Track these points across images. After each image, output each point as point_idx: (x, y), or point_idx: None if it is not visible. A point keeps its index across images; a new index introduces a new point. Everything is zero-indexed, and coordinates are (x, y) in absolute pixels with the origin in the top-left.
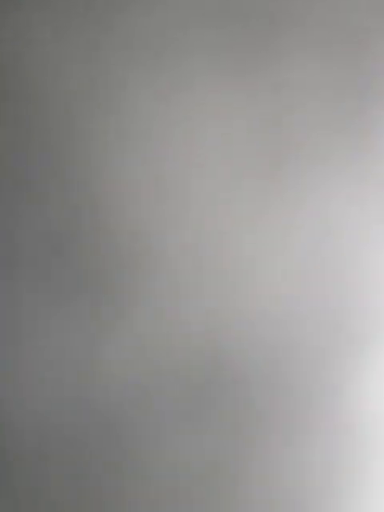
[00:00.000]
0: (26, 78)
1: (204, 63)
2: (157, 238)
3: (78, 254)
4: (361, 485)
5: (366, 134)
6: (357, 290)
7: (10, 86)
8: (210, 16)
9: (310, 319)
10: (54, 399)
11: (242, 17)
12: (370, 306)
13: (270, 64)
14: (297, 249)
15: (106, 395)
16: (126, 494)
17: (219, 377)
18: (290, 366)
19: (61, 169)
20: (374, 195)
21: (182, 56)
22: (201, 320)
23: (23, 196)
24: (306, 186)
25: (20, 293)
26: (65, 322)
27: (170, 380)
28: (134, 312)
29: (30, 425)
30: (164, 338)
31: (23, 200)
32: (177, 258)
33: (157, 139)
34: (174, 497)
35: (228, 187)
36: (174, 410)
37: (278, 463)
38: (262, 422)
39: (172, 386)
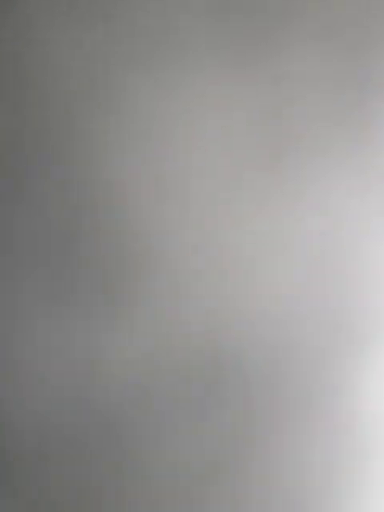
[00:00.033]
0: (25, 77)
1: (204, 57)
2: (157, 238)
3: (77, 254)
4: (361, 485)
5: (367, 126)
6: (357, 289)
7: (9, 85)
8: (209, 10)
9: (310, 319)
10: (54, 399)
11: (242, 10)
12: (370, 305)
13: (269, 56)
14: (297, 248)
15: (106, 395)
16: (126, 494)
17: (219, 377)
18: (290, 366)
19: (60, 168)
20: (374, 187)
21: (182, 50)
22: (201, 320)
23: (23, 196)
24: (306, 179)
25: (20, 293)
26: (65, 321)
27: (170, 380)
28: (134, 312)
29: (29, 425)
30: (164, 338)
31: (23, 200)
32: (177, 258)
33: (157, 135)
34: (174, 497)
35: (228, 184)
36: (174, 410)
37: (278, 463)
38: (262, 422)
39: (172, 385)
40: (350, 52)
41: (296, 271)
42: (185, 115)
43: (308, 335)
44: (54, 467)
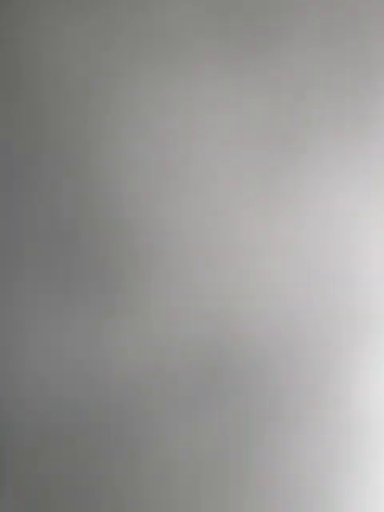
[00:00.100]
0: (23, 76)
1: (203, 63)
2: (157, 239)
3: (78, 254)
4: (361, 484)
5: (366, 131)
6: (357, 290)
7: (6, 82)
8: (209, 14)
9: (310, 320)
10: (54, 399)
11: (242, 15)
12: (370, 306)
13: (269, 62)
14: (297, 249)
15: (106, 395)
16: (126, 494)
17: (219, 377)
18: (290, 366)
19: (61, 166)
20: (374, 189)
21: (181, 43)
22: (201, 320)
23: (23, 194)
24: (305, 181)
25: (21, 293)
26: (65, 322)
27: (170, 380)
28: (134, 313)
29: (30, 425)
30: (164, 338)
31: (23, 199)
32: (177, 259)
33: (156, 137)
34: (174, 497)
35: (228, 186)
36: (174, 410)
37: (278, 463)
38: (262, 422)
39: (172, 386)
40: (350, 58)
41: (296, 272)
42: (184, 117)
43: (307, 336)
44: (54, 467)
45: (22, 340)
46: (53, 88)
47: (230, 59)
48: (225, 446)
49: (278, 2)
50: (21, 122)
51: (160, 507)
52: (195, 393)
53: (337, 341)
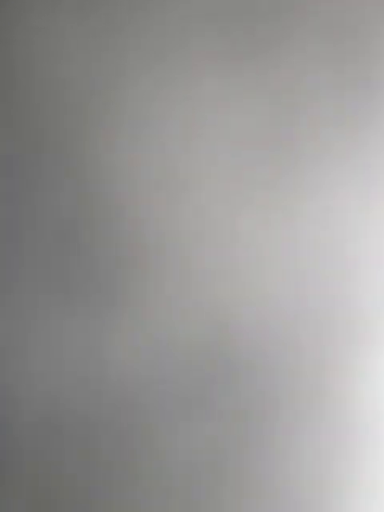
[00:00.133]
0: (23, 68)
1: (203, 63)
2: (157, 239)
3: (78, 254)
4: (360, 484)
5: (367, 131)
6: (357, 291)
7: (7, 74)
8: (209, 15)
9: (309, 321)
10: (54, 399)
11: (243, 15)
12: (370, 306)
13: (269, 63)
14: (297, 249)
15: (106, 395)
16: (126, 494)
17: (218, 377)
18: (289, 367)
19: (60, 168)
20: (373, 191)
21: (181, 43)
22: (201, 320)
23: (23, 194)
24: (305, 182)
25: (21, 293)
26: (65, 321)
27: (169, 380)
28: (134, 312)
29: (30, 425)
30: (164, 338)
31: (23, 199)
32: (177, 260)
33: (156, 140)
34: (174, 496)
35: (228, 187)
36: (174, 410)
37: (278, 463)
38: (261, 423)
39: (171, 386)
40: (350, 58)
41: (295, 272)
42: (184, 117)
43: (306, 336)
44: (54, 467)
45: (21, 340)
46: (53, 88)
47: (230, 59)
48: (223, 446)
49: (277, 2)
50: (21, 122)
51: (159, 506)
52: (195, 393)
53: (335, 341)
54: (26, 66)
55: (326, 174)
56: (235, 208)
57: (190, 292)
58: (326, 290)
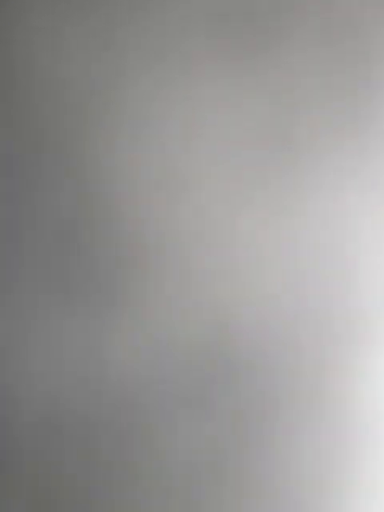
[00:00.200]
0: (23, 68)
1: (204, 64)
2: (156, 239)
3: (78, 254)
4: (360, 485)
5: (366, 133)
6: (357, 291)
7: (7, 74)
8: (209, 16)
9: (309, 321)
10: (54, 399)
11: (242, 16)
12: (369, 307)
13: (269, 64)
14: (296, 250)
15: (106, 395)
16: (126, 494)
17: (218, 377)
18: (289, 367)
19: (60, 168)
20: (373, 192)
21: (181, 43)
22: (200, 320)
23: (23, 194)
24: (305, 183)
25: (21, 293)
26: (65, 321)
27: (169, 380)
28: (134, 312)
29: (30, 425)
30: (164, 338)
31: (23, 199)
32: (177, 259)
33: (155, 140)
34: (174, 496)
35: (227, 187)
36: (174, 410)
37: (278, 463)
38: (262, 422)
39: (171, 386)
40: (350, 58)
41: (295, 272)
42: (184, 117)
43: (306, 336)
44: (54, 467)
45: (22, 340)
46: (53, 88)
47: (230, 59)
48: (223, 446)
49: (277, 1)
50: (21, 122)
51: (159, 506)
52: (195, 393)
53: (335, 341)
54: (26, 65)
55: (326, 174)
56: (235, 208)
57: (190, 292)
58: (325, 290)
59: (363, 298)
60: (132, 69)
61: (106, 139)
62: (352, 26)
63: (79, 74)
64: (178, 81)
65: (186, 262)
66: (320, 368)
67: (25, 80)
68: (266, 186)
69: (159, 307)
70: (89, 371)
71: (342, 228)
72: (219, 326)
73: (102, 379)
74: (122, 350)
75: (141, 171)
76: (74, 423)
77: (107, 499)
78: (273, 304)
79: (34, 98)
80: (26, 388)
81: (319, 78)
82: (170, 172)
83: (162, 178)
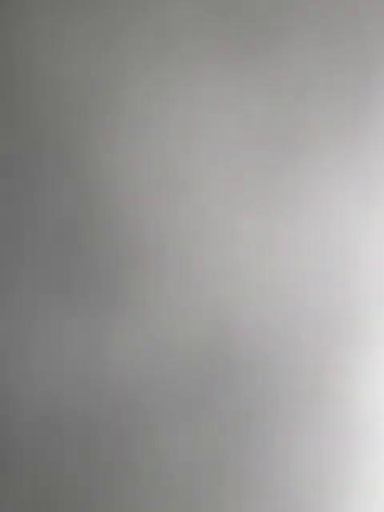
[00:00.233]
0: (23, 68)
1: (203, 63)
2: (156, 239)
3: (78, 254)
4: (360, 484)
5: (366, 133)
6: (356, 291)
7: (6, 74)
8: (209, 15)
9: (308, 321)
10: (54, 399)
11: (242, 15)
12: (369, 307)
13: (269, 63)
14: (296, 250)
15: (106, 395)
16: (126, 494)
17: (218, 377)
18: (289, 366)
19: (60, 168)
20: (373, 192)
21: (181, 43)
22: (201, 320)
23: (23, 194)
24: (304, 183)
25: (21, 293)
26: (65, 321)
27: (169, 380)
28: (134, 312)
29: (30, 425)
30: (164, 338)
31: (23, 199)
32: (176, 259)
33: (155, 139)
34: (173, 496)
35: (227, 188)
36: (174, 410)
37: (278, 463)
38: (262, 422)
39: (171, 386)
40: (350, 58)
41: (295, 272)
42: (184, 117)
43: (306, 336)
44: (54, 467)
45: (22, 340)
46: (53, 88)
47: (230, 59)
48: (223, 446)
49: (277, 1)
50: (21, 122)
51: (159, 506)
52: (195, 393)
53: (335, 341)
54: (26, 65)
55: (326, 173)
56: (235, 208)
57: (190, 292)
58: (326, 290)
59: (363, 298)
60: (132, 69)
61: (106, 139)
62: (352, 26)
63: (79, 74)
64: (178, 81)
65: (186, 262)
66: (320, 368)
67: (25, 80)
68: (266, 186)
69: (159, 307)
70: (89, 371)
71: (341, 228)
72: (219, 325)
73: (102, 379)
74: (122, 350)
75: (141, 171)
76: (74, 423)
77: (107, 499)
78: (273, 304)
79: (33, 98)
80: (26, 388)
81: (319, 77)
82: (170, 172)
83: (162, 178)
